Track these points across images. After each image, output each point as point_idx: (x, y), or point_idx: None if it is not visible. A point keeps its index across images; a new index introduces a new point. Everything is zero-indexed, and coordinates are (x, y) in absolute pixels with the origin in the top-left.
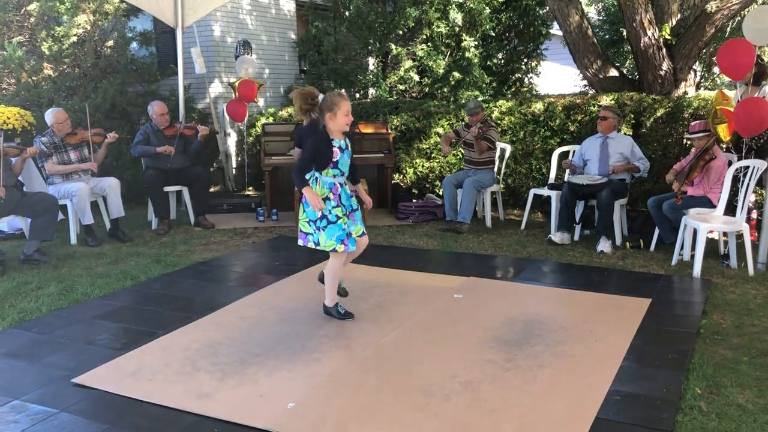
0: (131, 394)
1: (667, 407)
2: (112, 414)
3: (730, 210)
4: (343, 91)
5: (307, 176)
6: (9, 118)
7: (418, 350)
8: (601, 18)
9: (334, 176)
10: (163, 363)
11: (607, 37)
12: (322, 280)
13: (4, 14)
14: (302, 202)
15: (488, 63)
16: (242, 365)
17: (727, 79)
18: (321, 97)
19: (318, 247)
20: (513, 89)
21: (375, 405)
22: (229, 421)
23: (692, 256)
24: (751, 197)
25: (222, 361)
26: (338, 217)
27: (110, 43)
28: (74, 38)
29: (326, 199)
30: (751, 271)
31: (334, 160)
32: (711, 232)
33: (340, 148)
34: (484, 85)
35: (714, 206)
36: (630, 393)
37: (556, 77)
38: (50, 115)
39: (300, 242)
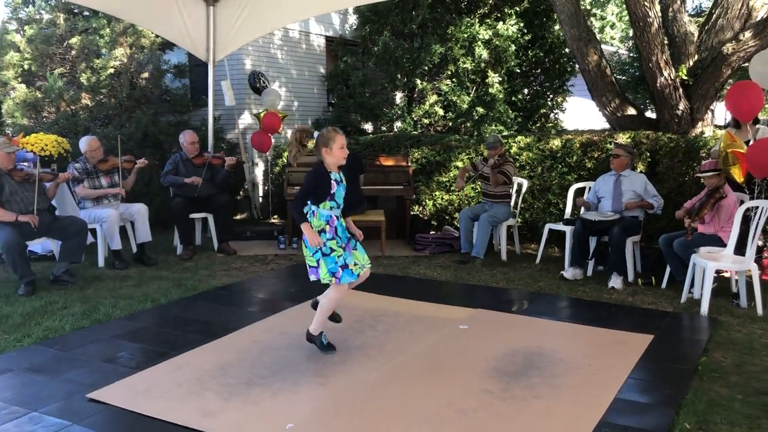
0: (141, 410)
1: None
2: (121, 429)
3: (742, 249)
4: (337, 126)
5: (305, 209)
6: (47, 145)
7: (418, 378)
8: (632, 55)
9: (331, 208)
10: (174, 382)
11: (637, 74)
12: (314, 306)
13: (48, 47)
14: (303, 239)
15: (513, 99)
16: (248, 387)
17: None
18: (317, 134)
19: (322, 281)
20: (538, 125)
21: (370, 429)
22: None
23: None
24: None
25: (230, 382)
26: (332, 250)
27: (145, 75)
28: (111, 70)
29: (322, 231)
30: (760, 310)
31: (332, 192)
32: (725, 271)
33: (336, 181)
34: (508, 120)
35: (725, 245)
36: (620, 425)
37: (584, 113)
38: (84, 143)
39: (312, 277)
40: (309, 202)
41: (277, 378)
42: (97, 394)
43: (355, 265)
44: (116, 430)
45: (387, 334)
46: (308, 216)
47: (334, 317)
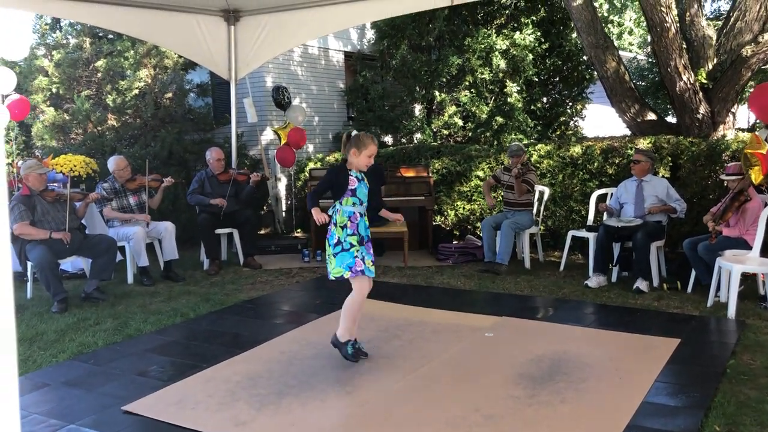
0: (175, 421)
1: None
2: None
3: None
4: (373, 136)
5: (330, 211)
6: (75, 166)
7: (445, 385)
8: (650, 61)
9: (353, 204)
10: (206, 394)
11: (656, 79)
12: (334, 344)
13: (75, 71)
14: (327, 237)
15: (532, 107)
16: (279, 396)
17: None
18: (354, 133)
19: (329, 276)
20: (558, 132)
21: None
22: None
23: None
24: None
25: (260, 392)
26: (351, 245)
27: (169, 94)
28: (136, 91)
29: (344, 227)
30: None
31: (352, 188)
32: (752, 274)
33: (357, 178)
34: (528, 129)
35: (750, 247)
36: (648, 428)
37: (604, 119)
38: (112, 163)
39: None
40: (334, 199)
41: (306, 388)
42: (132, 407)
43: (373, 264)
44: None
45: (413, 343)
46: (333, 214)
47: (361, 352)
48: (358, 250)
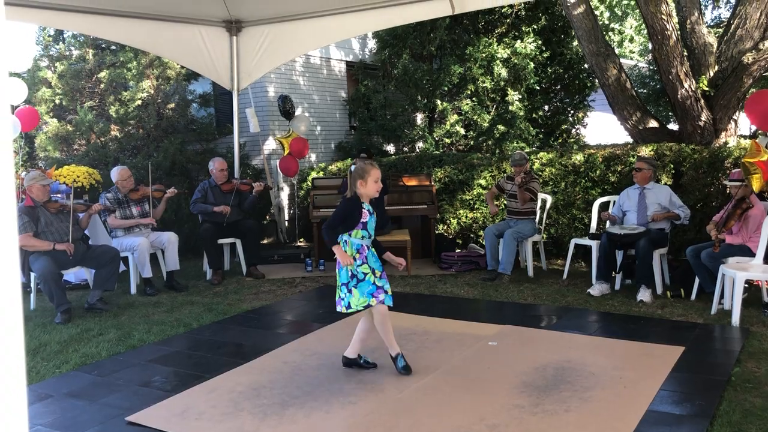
0: (178, 431)
1: None
2: None
3: None
4: (372, 161)
5: (338, 239)
6: (78, 177)
7: (449, 394)
8: (652, 68)
9: (362, 237)
10: (210, 404)
11: (658, 87)
12: (346, 363)
13: (78, 81)
14: (337, 268)
15: (534, 115)
16: (282, 407)
17: None
18: (353, 167)
19: (350, 310)
20: (560, 140)
21: None
22: None
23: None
24: None
25: (264, 402)
26: (365, 274)
27: (172, 105)
28: (139, 102)
29: (353, 259)
30: None
31: (363, 221)
32: (756, 281)
33: (368, 211)
34: (530, 137)
35: (753, 254)
36: None
37: (606, 127)
38: (115, 173)
39: (338, 308)
40: (343, 231)
41: (310, 398)
42: (136, 417)
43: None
44: None
45: (416, 352)
46: (342, 245)
47: (369, 364)
48: (374, 279)
